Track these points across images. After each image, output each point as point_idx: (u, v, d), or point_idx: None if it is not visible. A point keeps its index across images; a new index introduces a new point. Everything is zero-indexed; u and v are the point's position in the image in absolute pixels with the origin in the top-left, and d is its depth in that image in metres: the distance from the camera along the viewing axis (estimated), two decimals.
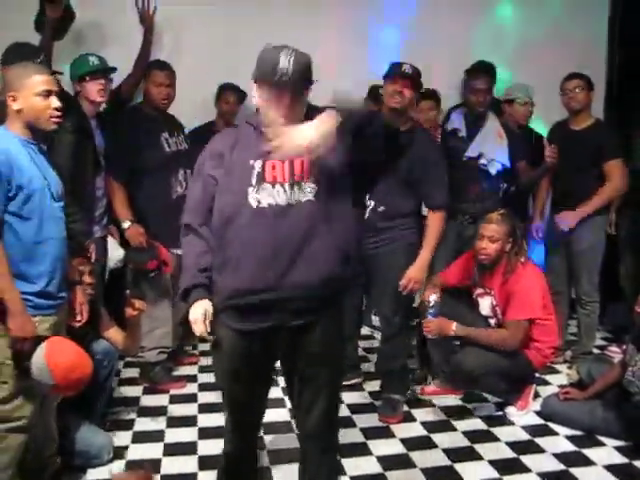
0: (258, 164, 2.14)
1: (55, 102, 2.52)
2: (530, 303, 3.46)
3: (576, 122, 4.10)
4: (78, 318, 2.97)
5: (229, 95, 4.39)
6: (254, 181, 2.14)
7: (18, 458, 2.51)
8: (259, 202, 2.13)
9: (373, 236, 3.43)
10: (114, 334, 3.28)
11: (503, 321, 3.51)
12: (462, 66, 4.35)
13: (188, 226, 2.28)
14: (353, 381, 3.90)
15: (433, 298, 3.50)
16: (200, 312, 2.18)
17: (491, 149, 4.04)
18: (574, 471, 3.02)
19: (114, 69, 3.63)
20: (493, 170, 4.04)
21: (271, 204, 2.12)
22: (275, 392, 3.75)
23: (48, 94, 2.50)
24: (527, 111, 4.45)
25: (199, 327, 2.18)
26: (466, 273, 3.73)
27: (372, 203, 3.38)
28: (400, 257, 3.43)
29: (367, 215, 3.40)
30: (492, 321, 3.63)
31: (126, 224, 3.70)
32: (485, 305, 3.64)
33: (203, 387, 3.88)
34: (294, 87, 2.13)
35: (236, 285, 2.16)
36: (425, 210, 3.59)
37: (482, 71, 4.09)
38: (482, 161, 4.02)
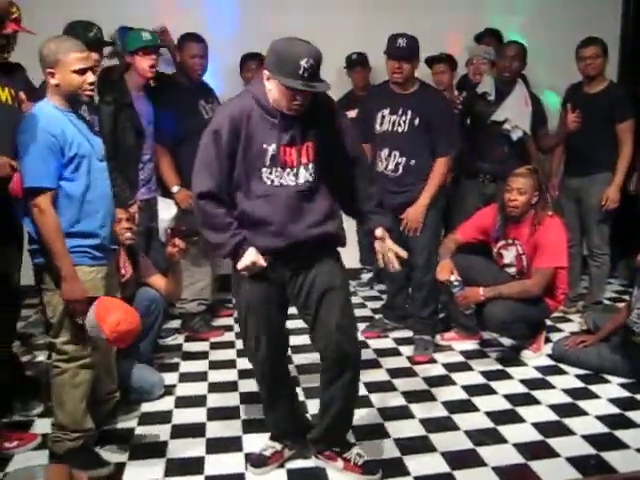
0: (272, 148, 2.48)
1: (90, 78, 2.65)
2: (559, 253, 3.72)
3: (591, 86, 4.30)
4: (122, 272, 3.28)
5: (251, 64, 4.54)
6: (268, 162, 2.49)
7: (88, 393, 2.78)
8: (272, 181, 2.51)
9: (404, 191, 3.79)
10: (157, 280, 3.56)
11: (530, 269, 3.74)
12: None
13: (206, 193, 2.50)
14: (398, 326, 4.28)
15: (454, 278, 3.70)
16: (254, 255, 2.53)
17: (516, 115, 4.20)
18: (580, 403, 3.32)
19: (164, 45, 3.92)
20: (515, 136, 4.20)
21: (282, 184, 2.51)
22: (307, 339, 4.09)
23: (84, 71, 2.62)
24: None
25: (260, 261, 2.54)
26: (483, 229, 3.95)
27: (403, 160, 3.76)
28: (433, 209, 3.80)
29: (400, 172, 3.78)
30: (512, 270, 3.85)
31: (175, 188, 4.01)
32: (510, 255, 3.85)
33: (240, 335, 4.20)
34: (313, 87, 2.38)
35: (260, 244, 2.55)
36: None
37: (513, 41, 4.27)
38: (506, 126, 4.18)
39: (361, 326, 4.05)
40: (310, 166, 2.53)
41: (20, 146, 2.60)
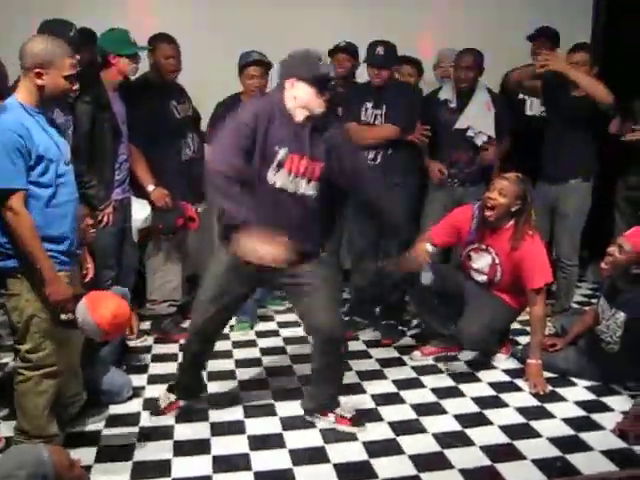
0: (283, 151, 2.76)
1: (76, 85, 2.66)
2: (547, 269, 3.66)
3: (577, 90, 4.14)
4: (84, 272, 3.21)
5: (252, 70, 4.15)
6: (275, 164, 2.77)
7: (52, 400, 2.74)
8: (274, 183, 2.78)
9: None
10: None
11: (525, 288, 3.64)
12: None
13: (222, 174, 2.69)
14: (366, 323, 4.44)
15: (431, 248, 3.67)
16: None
17: (479, 122, 4.25)
18: (547, 406, 3.36)
19: (148, 49, 3.93)
20: (479, 142, 4.25)
21: (283, 188, 2.79)
22: (277, 341, 4.10)
23: (74, 78, 2.59)
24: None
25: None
26: (457, 229, 3.86)
27: (382, 150, 4.06)
28: (406, 200, 4.02)
29: (379, 161, 4.08)
30: (481, 277, 3.82)
31: (151, 187, 3.98)
32: (482, 261, 3.80)
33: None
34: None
35: None
36: None
37: (468, 50, 4.26)
38: (469, 133, 4.24)
39: None
40: (312, 184, 2.83)
41: None
